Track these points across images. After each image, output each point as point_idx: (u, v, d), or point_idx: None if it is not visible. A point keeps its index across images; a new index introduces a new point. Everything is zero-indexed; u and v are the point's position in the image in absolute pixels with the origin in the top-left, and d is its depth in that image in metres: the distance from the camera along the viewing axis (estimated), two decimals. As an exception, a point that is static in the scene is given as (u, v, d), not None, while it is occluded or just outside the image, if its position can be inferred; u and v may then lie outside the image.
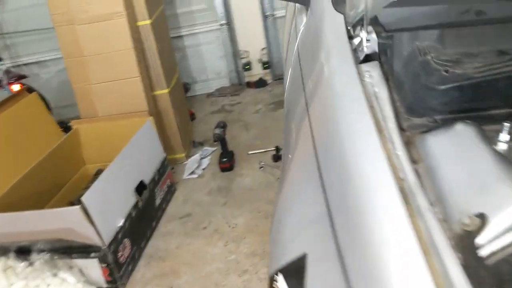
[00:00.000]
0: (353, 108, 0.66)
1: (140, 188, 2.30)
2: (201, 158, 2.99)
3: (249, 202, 2.50)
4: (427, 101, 0.72)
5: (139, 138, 2.39)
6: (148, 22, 2.65)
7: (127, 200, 2.20)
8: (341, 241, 0.56)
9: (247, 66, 4.04)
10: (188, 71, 4.05)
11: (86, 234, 1.90)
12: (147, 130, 2.49)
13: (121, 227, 2.08)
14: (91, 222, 1.87)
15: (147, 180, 2.38)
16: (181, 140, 2.96)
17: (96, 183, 1.99)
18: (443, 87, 0.69)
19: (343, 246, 0.55)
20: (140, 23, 2.63)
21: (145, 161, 2.43)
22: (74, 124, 2.67)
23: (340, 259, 0.55)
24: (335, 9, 0.91)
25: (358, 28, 0.85)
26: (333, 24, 0.86)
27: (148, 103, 2.66)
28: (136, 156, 2.35)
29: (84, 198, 1.84)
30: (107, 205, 2.01)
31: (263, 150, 2.96)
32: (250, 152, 2.97)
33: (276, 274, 0.68)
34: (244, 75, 4.09)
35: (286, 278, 0.65)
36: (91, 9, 2.46)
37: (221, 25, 3.91)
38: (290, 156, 0.93)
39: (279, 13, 3.89)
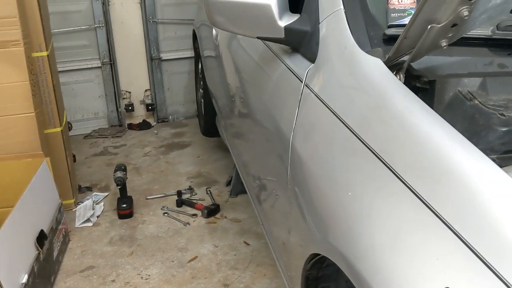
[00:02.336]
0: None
1: (41, 238, 2.01)
2: (94, 205, 2.73)
3: (159, 250, 2.36)
4: (485, 142, 0.79)
5: (37, 182, 2.11)
6: (45, 53, 2.41)
7: (29, 253, 1.90)
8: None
9: (130, 107, 3.88)
10: (63, 110, 3.72)
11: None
12: (43, 174, 2.21)
13: (25, 285, 1.78)
14: None
15: (46, 229, 2.09)
16: (70, 185, 2.68)
17: (-2, 235, 1.68)
18: (504, 128, 0.78)
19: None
20: (35, 54, 2.37)
21: (43, 208, 2.14)
22: None
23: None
24: (369, 53, 0.95)
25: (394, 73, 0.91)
26: (377, 69, 0.91)
27: (41, 142, 2.37)
28: (35, 203, 2.06)
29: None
30: (10, 260, 1.71)
31: (163, 195, 2.84)
32: (149, 197, 2.82)
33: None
34: (126, 117, 3.91)
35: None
36: (-18, 34, 2.14)
37: (103, 63, 3.72)
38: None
39: (166, 55, 3.86)
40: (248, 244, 2.37)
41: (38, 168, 2.18)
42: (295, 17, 1.20)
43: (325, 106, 1.01)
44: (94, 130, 3.81)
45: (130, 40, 3.74)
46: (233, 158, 2.47)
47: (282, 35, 1.18)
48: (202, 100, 3.25)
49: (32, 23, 2.33)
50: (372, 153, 0.82)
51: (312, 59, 1.14)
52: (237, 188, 2.79)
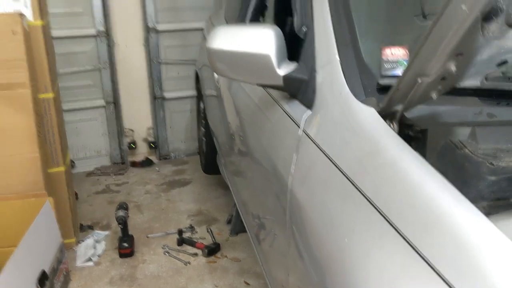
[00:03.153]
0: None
1: (42, 279, 2.01)
2: (95, 244, 2.74)
3: (160, 290, 2.35)
4: (475, 190, 0.82)
5: (39, 222, 2.13)
6: (50, 95, 2.47)
7: (30, 295, 1.90)
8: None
9: (132, 145, 3.92)
10: (66, 148, 3.77)
11: None
12: (46, 213, 2.23)
13: (25, 328, 1.77)
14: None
15: (47, 269, 2.10)
16: (72, 224, 2.69)
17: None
18: (493, 177, 0.81)
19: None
20: (42, 96, 2.43)
21: (44, 248, 2.15)
22: None
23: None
24: (363, 102, 1.00)
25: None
26: (371, 118, 0.95)
27: (45, 182, 2.40)
28: (37, 243, 2.08)
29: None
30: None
31: (164, 234, 2.85)
32: (149, 236, 2.83)
33: None
34: (128, 154, 3.96)
35: None
36: (-10, 76, 2.21)
37: (107, 102, 3.79)
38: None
39: (169, 94, 3.94)
40: (248, 284, 2.37)
41: (41, 207, 2.20)
42: (293, 65, 1.25)
43: (321, 151, 1.05)
44: (96, 168, 3.85)
45: (134, 80, 3.83)
46: (233, 196, 2.49)
47: (281, 82, 1.23)
48: (204, 138, 3.30)
49: (39, 65, 2.40)
50: (366, 200, 0.85)
51: (309, 106, 1.19)
52: (237, 226, 2.80)
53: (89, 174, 3.77)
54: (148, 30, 3.73)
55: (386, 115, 0.95)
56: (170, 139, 4.07)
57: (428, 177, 0.78)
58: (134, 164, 3.92)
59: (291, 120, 1.24)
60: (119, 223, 2.59)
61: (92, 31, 3.59)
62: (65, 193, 2.64)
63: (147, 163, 3.94)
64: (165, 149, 4.06)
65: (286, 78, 1.22)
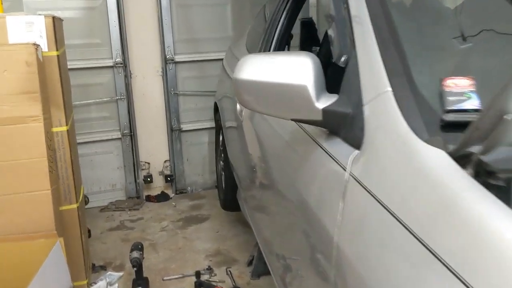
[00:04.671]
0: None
1: (49, 330, 1.84)
2: (108, 286, 2.56)
3: None
4: None
5: (49, 265, 1.98)
6: (64, 128, 2.35)
7: None
8: None
9: (148, 179, 3.79)
10: (80, 182, 3.64)
11: None
12: (56, 256, 2.08)
13: None
14: None
15: (55, 318, 1.93)
16: (84, 264, 2.53)
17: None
18: None
19: None
20: (55, 129, 2.31)
21: (53, 294, 1.99)
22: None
23: None
24: (428, 143, 0.83)
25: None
26: (441, 162, 0.78)
27: (56, 220, 2.26)
28: (46, 287, 1.91)
29: None
30: None
31: (181, 276, 2.66)
32: (165, 278, 2.65)
33: None
34: (143, 188, 3.81)
35: None
36: (2, 109, 2.10)
37: (123, 135, 3.68)
38: None
39: (186, 126, 3.82)
40: (273, 335, 2.16)
41: (51, 249, 2.05)
42: (333, 98, 1.09)
43: (376, 201, 0.88)
44: (111, 203, 3.71)
45: (150, 112, 3.72)
46: (255, 235, 2.31)
47: (319, 117, 1.08)
48: (223, 173, 3.15)
49: (53, 97, 2.29)
50: (445, 267, 0.68)
51: (356, 145, 1.02)
52: (259, 268, 2.61)
53: (103, 209, 3.63)
54: (166, 61, 3.65)
55: (459, 158, 0.78)
56: (187, 172, 3.93)
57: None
58: (149, 199, 3.77)
59: (333, 160, 1.08)
60: (133, 266, 2.42)
61: (109, 62, 3.51)
62: (77, 232, 2.48)
63: (163, 197, 3.79)
64: (182, 182, 3.91)
65: (326, 112, 1.07)
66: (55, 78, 2.31)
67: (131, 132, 3.69)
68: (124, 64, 3.53)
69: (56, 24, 2.32)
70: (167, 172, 3.85)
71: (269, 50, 2.12)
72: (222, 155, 3.12)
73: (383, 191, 0.88)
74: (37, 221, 2.20)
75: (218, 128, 3.25)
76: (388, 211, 0.84)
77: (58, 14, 2.50)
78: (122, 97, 3.59)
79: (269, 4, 2.56)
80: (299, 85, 1.06)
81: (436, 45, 1.20)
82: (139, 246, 2.50)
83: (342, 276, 0.97)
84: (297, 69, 1.07)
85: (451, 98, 0.90)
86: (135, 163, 3.76)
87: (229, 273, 2.66)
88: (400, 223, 0.80)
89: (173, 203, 3.70)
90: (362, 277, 0.88)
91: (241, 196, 2.66)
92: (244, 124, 2.16)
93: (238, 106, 2.22)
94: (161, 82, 3.68)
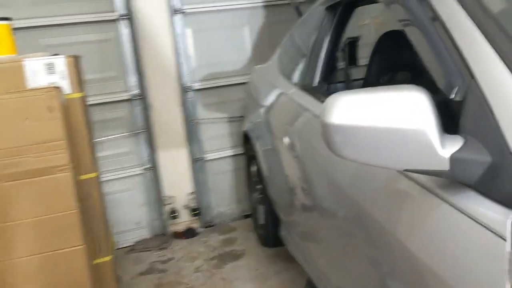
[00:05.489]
0: None
1: None
2: None
3: None
4: None
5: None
6: (93, 175, 2.15)
7: None
8: None
9: (174, 214, 3.58)
10: (103, 223, 3.43)
11: None
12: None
13: None
14: None
15: None
16: (121, 320, 2.32)
17: None
18: None
19: None
20: (84, 177, 2.12)
21: None
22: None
23: None
24: None
25: None
26: None
27: (90, 277, 2.05)
28: None
29: None
30: None
31: (227, 325, 2.44)
32: (210, 327, 2.42)
33: None
34: (169, 224, 3.60)
35: None
36: (26, 161, 1.90)
37: (145, 169, 3.48)
38: None
39: (209, 155, 3.62)
40: None
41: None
42: (458, 141, 0.89)
43: None
44: (137, 242, 3.49)
45: (172, 143, 3.53)
46: (307, 270, 2.10)
47: (446, 167, 0.87)
48: (262, 206, 2.93)
49: (79, 142, 2.12)
50: None
51: (499, 197, 0.81)
52: (311, 308, 2.38)
53: (130, 250, 3.42)
54: (185, 90, 3.46)
55: None
56: (213, 204, 3.72)
57: None
58: (176, 235, 3.56)
59: (477, 224, 0.86)
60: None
61: (126, 95, 3.33)
62: (112, 285, 2.28)
63: (190, 233, 3.57)
64: (209, 215, 3.70)
65: (454, 160, 0.86)
66: (80, 120, 2.14)
67: (152, 165, 3.49)
68: (143, 96, 3.34)
69: (78, 63, 2.13)
70: (193, 205, 3.64)
71: (316, 75, 1.94)
72: (259, 186, 2.91)
73: None
74: (68, 281, 2.00)
75: (249, 158, 3.05)
76: None
77: (70, 49, 2.31)
78: (142, 130, 3.40)
79: (301, 27, 2.38)
80: (417, 129, 0.86)
81: None
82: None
83: None
84: (411, 109, 0.87)
85: None
86: (159, 198, 3.56)
87: (277, 317, 2.44)
88: None
89: (203, 239, 3.48)
90: None
91: (285, 227, 2.45)
92: (300, 162, 1.93)
93: (286, 139, 2.01)
94: (181, 111, 3.49)
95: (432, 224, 0.99)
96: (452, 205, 0.93)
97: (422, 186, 1.04)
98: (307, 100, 1.88)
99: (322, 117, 0.97)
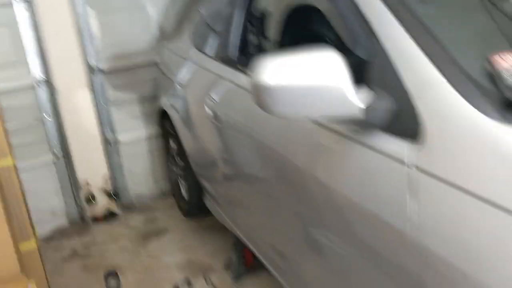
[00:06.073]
0: None
1: None
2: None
3: None
4: None
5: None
6: (11, 161, 2.10)
7: None
8: None
9: (91, 199, 3.53)
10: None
11: None
12: (32, 302, 1.86)
13: None
14: None
15: None
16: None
17: None
18: None
19: None
20: (1, 164, 2.06)
21: None
22: None
23: None
24: (505, 123, 0.84)
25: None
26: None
27: (19, 263, 2.02)
28: None
29: None
30: None
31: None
32: (143, 301, 2.49)
33: None
34: (87, 210, 3.55)
35: None
36: None
37: (56, 156, 3.39)
38: None
39: (123, 138, 3.61)
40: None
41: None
42: (371, 93, 1.07)
43: (456, 189, 0.88)
44: (55, 231, 3.41)
45: (83, 127, 3.45)
46: (240, 235, 2.26)
47: (361, 116, 1.04)
48: (183, 181, 3.02)
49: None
50: None
51: (413, 137, 1.00)
52: (239, 270, 2.56)
53: (48, 239, 3.33)
54: (92, 72, 3.39)
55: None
56: (131, 186, 3.72)
57: None
58: (96, 220, 3.52)
59: (387, 156, 1.05)
60: (115, 295, 2.25)
61: (29, 81, 3.19)
62: (41, 273, 2.25)
63: (110, 216, 3.55)
64: (128, 197, 3.70)
65: (369, 109, 1.04)
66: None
67: (64, 152, 3.41)
68: (47, 80, 3.23)
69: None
70: (110, 189, 3.61)
71: (232, 48, 2.05)
72: (179, 162, 2.98)
73: (462, 179, 0.87)
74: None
75: (167, 135, 3.10)
76: (471, 195, 0.84)
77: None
78: (49, 116, 3.29)
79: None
80: (335, 85, 1.02)
81: (458, 22, 1.21)
82: (113, 272, 2.33)
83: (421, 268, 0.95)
84: (330, 69, 1.02)
85: (507, 76, 0.91)
86: (73, 185, 3.49)
87: (209, 281, 2.57)
88: (489, 204, 0.81)
89: (124, 221, 3.49)
90: (455, 267, 0.87)
91: (210, 197, 2.58)
92: (222, 131, 2.04)
93: (207, 110, 2.11)
94: (90, 93, 3.42)
95: (350, 164, 1.18)
96: (365, 145, 1.12)
97: (340, 134, 1.22)
98: (227, 71, 1.99)
99: (254, 79, 1.10)
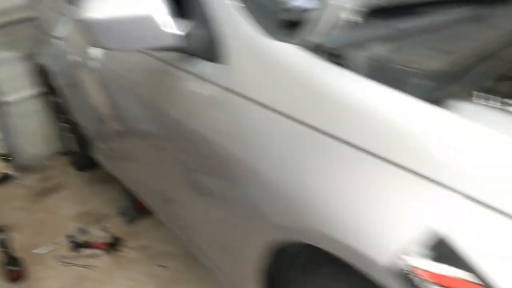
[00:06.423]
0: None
1: None
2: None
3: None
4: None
5: None
6: None
7: None
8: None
9: (-20, 163, 3.44)
10: None
11: None
12: None
13: None
14: None
15: None
16: None
17: None
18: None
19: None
20: None
21: None
22: None
23: None
24: (281, 41, 1.00)
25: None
26: (297, 55, 0.96)
27: None
28: None
29: None
30: None
31: (54, 245, 2.59)
32: (39, 252, 2.55)
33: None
34: (-22, 175, 3.47)
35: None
36: None
37: None
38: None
39: (10, 98, 3.50)
40: (165, 266, 2.30)
41: None
42: (190, 24, 1.19)
43: (250, 102, 1.04)
44: None
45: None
46: (125, 183, 2.37)
47: (175, 43, 1.16)
48: (71, 135, 3.03)
49: None
50: (322, 134, 0.88)
51: (216, 59, 1.15)
52: (131, 215, 2.69)
53: None
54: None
55: (311, 49, 0.97)
56: (24, 146, 3.65)
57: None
58: (-12, 184, 3.45)
59: (198, 78, 1.20)
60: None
61: None
62: None
63: (3, 179, 3.49)
64: (21, 158, 3.64)
65: (189, 37, 1.17)
66: None
67: None
68: None
69: None
70: (2, 151, 3.53)
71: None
72: (65, 118, 2.99)
73: (253, 92, 1.04)
74: None
75: (51, 92, 3.07)
76: (265, 107, 1.01)
77: None
78: None
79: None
80: (148, 17, 1.12)
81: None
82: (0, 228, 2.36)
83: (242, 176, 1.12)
84: (147, 1, 1.12)
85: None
86: (-41, 150, 3.37)
87: (103, 228, 2.67)
88: (278, 113, 0.98)
89: (18, 181, 3.45)
90: (264, 172, 1.05)
91: (99, 151, 2.63)
92: (89, 78, 2.10)
93: (87, 64, 2.12)
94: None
95: (182, 92, 1.32)
96: (181, 68, 1.26)
97: (169, 64, 1.35)
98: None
99: (81, 16, 1.18)
